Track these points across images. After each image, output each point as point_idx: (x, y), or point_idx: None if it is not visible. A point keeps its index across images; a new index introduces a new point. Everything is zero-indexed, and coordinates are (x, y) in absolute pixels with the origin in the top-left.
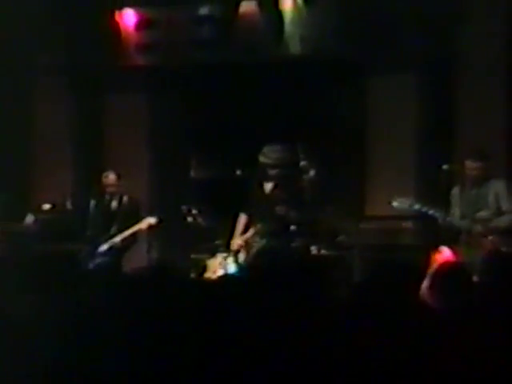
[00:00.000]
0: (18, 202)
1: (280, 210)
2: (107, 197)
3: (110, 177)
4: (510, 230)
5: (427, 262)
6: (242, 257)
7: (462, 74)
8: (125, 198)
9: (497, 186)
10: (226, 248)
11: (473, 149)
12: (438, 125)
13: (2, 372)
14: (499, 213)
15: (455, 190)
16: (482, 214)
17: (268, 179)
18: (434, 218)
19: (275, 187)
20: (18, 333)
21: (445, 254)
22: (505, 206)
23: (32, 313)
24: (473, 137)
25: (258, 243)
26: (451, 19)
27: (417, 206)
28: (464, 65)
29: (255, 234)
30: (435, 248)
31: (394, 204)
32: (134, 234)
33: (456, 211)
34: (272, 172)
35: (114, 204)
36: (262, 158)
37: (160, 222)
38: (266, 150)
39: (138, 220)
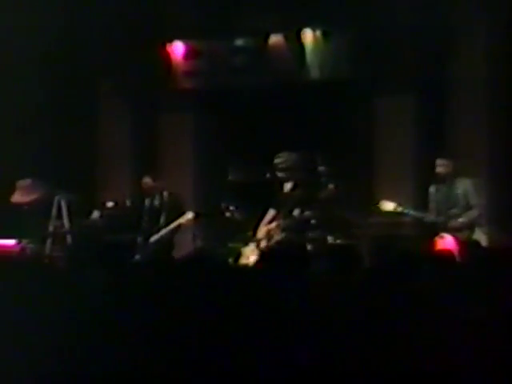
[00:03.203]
0: (87, 200)
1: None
2: (151, 196)
3: (146, 181)
4: (478, 222)
5: (432, 247)
6: (263, 244)
7: (452, 96)
8: (165, 194)
9: (465, 184)
10: (253, 235)
11: (441, 148)
12: (432, 137)
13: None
14: (468, 208)
15: (431, 189)
16: (454, 211)
17: (286, 180)
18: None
19: (294, 187)
20: (86, 305)
21: (447, 240)
22: (473, 202)
23: (99, 289)
24: (461, 147)
25: (278, 235)
26: (443, 50)
27: (399, 209)
28: (453, 88)
29: (277, 226)
30: (438, 235)
31: (381, 206)
32: (178, 227)
33: (432, 208)
34: (288, 174)
35: (158, 201)
36: (277, 160)
37: (197, 216)
38: (281, 154)
39: (180, 211)
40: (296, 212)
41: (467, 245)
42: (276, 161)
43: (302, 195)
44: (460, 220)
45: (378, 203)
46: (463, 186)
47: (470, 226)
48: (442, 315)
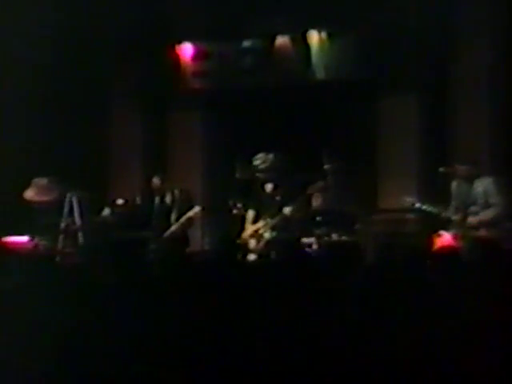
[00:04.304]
0: (98, 198)
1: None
2: (160, 194)
3: (155, 181)
4: (496, 220)
5: (430, 244)
6: (252, 244)
7: (454, 95)
8: (176, 191)
9: (485, 183)
10: (237, 237)
11: (460, 155)
12: (435, 135)
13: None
14: (487, 206)
15: (453, 186)
16: (473, 208)
17: (266, 181)
18: (432, 213)
19: (275, 187)
20: (97, 302)
21: (444, 237)
22: (492, 200)
23: (110, 284)
24: (464, 145)
25: (269, 234)
26: (447, 51)
27: (418, 205)
28: (455, 87)
29: (265, 225)
30: (435, 232)
31: (407, 200)
32: (188, 221)
33: (452, 205)
34: (267, 175)
35: (169, 198)
36: (256, 162)
37: (203, 209)
38: (259, 156)
39: (190, 208)
40: (285, 210)
41: (483, 243)
42: (255, 162)
43: (285, 194)
44: (477, 218)
45: (399, 200)
46: (484, 185)
47: (487, 224)
48: (448, 313)
